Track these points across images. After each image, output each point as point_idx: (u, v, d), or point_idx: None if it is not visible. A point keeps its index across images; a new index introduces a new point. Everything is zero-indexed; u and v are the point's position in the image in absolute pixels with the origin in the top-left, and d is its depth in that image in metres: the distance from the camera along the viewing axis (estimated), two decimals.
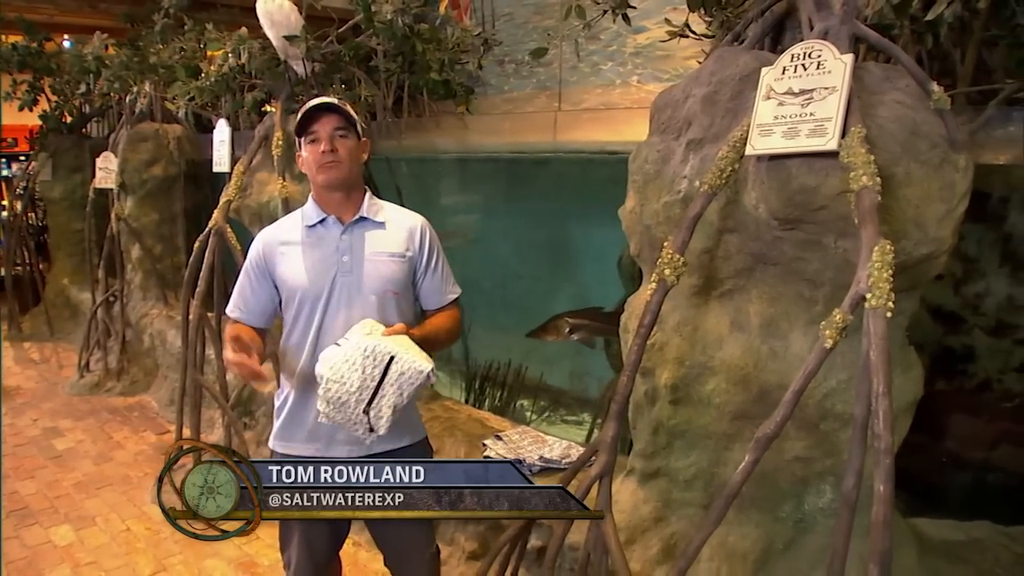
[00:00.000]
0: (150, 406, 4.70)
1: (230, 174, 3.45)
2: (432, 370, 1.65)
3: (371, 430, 1.68)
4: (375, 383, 1.63)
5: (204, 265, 3.21)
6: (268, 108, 3.77)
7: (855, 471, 1.24)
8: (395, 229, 1.88)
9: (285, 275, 1.84)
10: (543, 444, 2.65)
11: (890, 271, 1.24)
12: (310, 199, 1.90)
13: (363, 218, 1.86)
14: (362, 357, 1.62)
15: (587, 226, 3.99)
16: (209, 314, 3.37)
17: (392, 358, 1.63)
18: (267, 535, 3.05)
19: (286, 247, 1.85)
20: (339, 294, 1.80)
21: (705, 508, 1.90)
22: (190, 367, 3.28)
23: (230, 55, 3.25)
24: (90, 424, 4.37)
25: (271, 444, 1.93)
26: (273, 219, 3.29)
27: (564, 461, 2.51)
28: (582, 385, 4.06)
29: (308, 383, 1.83)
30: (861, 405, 1.25)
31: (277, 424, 1.92)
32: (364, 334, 1.69)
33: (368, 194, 1.90)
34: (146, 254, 4.99)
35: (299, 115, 1.80)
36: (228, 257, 3.33)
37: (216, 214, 3.23)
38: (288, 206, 3.13)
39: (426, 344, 1.76)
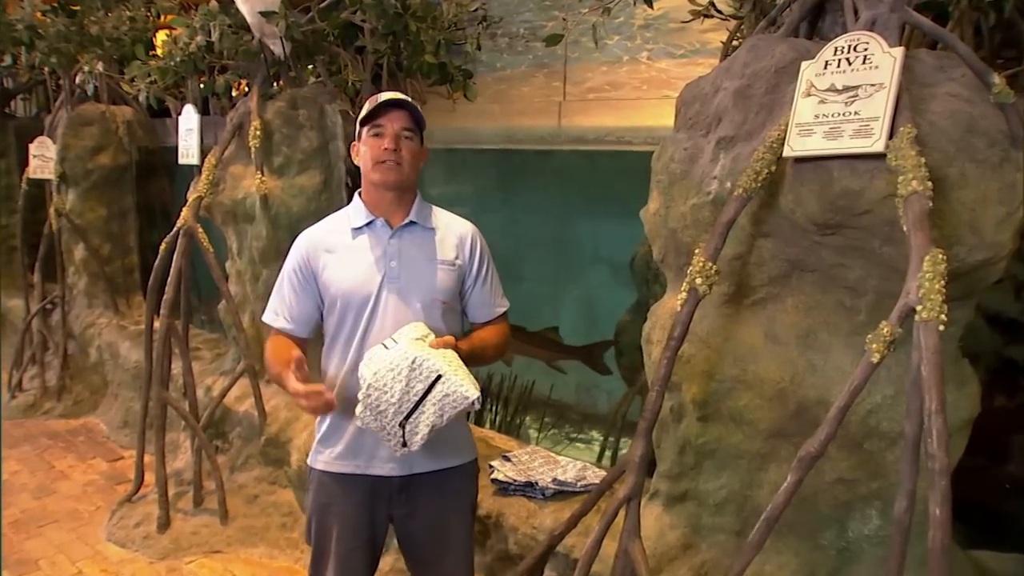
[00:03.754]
0: (98, 429, 4.70)
1: (199, 167, 3.50)
2: (478, 398, 1.75)
3: (404, 444, 1.78)
4: (417, 398, 1.74)
5: (172, 269, 3.26)
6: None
7: (907, 494, 1.33)
8: (446, 235, 2.00)
9: (329, 280, 1.94)
10: (556, 465, 2.73)
11: (942, 281, 1.33)
12: (356, 198, 2.01)
13: (413, 222, 1.97)
14: (408, 368, 1.72)
15: (595, 222, 4.07)
16: (176, 323, 3.41)
17: (439, 377, 1.73)
18: (242, 572, 3.12)
19: (331, 249, 1.96)
20: (385, 301, 1.91)
21: (738, 534, 1.97)
22: (155, 384, 3.32)
23: (198, 32, 3.30)
24: (26, 452, 4.34)
25: (310, 461, 2.04)
26: (250, 218, 3.38)
27: (580, 484, 2.59)
28: (590, 400, 4.14)
29: (350, 396, 1.92)
30: (912, 423, 1.34)
31: (317, 439, 2.03)
32: (413, 338, 1.79)
33: (419, 198, 2.01)
34: (92, 255, 4.99)
35: (368, 106, 1.90)
36: (198, 260, 3.38)
37: (185, 212, 3.27)
38: (267, 203, 3.19)
39: (472, 359, 1.88)
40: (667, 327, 1.88)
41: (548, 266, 4.35)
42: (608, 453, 3.61)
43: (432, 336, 1.84)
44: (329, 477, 2.00)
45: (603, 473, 2.67)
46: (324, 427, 2.01)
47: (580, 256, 4.26)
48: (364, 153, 1.93)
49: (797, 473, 1.46)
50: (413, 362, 1.73)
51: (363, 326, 1.92)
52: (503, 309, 2.12)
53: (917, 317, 1.34)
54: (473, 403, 1.76)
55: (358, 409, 1.77)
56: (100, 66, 4.34)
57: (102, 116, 4.88)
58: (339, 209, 2.11)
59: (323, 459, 2.01)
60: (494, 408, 3.99)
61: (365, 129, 1.92)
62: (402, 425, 1.76)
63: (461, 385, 1.74)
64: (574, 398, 4.19)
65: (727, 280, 1.86)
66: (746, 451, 1.91)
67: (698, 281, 1.72)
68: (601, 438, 3.76)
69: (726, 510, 1.99)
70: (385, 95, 1.91)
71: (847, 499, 1.79)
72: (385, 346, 1.80)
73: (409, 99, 1.92)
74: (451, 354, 1.81)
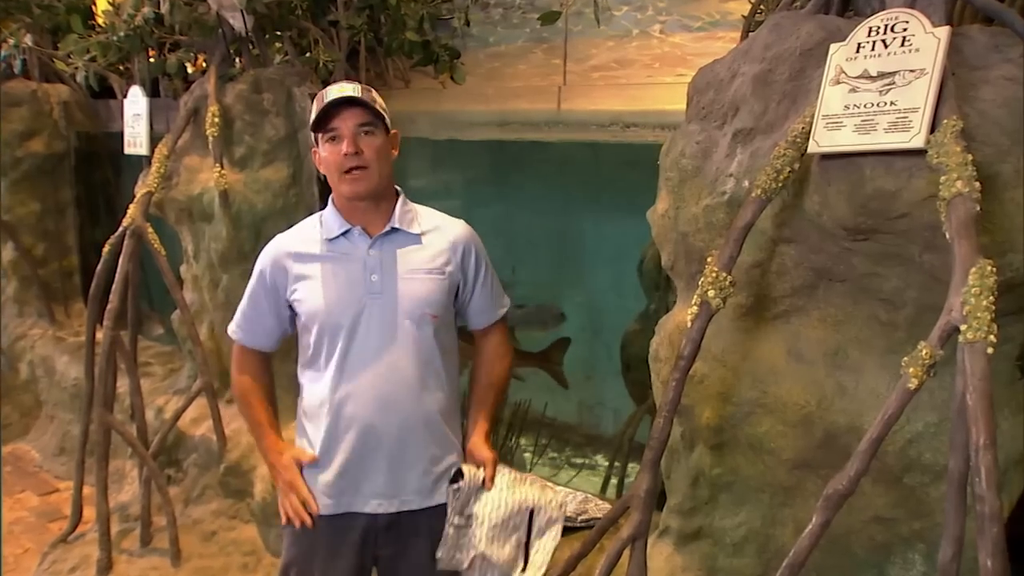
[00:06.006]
0: (28, 457, 4.69)
1: (149, 158, 3.47)
2: (565, 495, 1.96)
3: None
4: (523, 546, 1.90)
5: (117, 274, 3.24)
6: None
7: (953, 539, 1.32)
8: (433, 240, 2.02)
9: (302, 298, 1.97)
10: None
11: (991, 297, 1.32)
12: (330, 205, 2.02)
13: (395, 229, 1.98)
14: (502, 528, 1.87)
15: (599, 220, 4.06)
16: (122, 334, 3.39)
17: (531, 512, 1.91)
18: None
19: (302, 262, 1.98)
20: (368, 320, 1.93)
21: None
22: (97, 405, 3.30)
23: (145, 2, 3.28)
24: None
25: None
26: (207, 216, 3.36)
27: (581, 518, 2.58)
28: (594, 419, 4.14)
29: (333, 424, 1.96)
30: (956, 458, 1.33)
31: None
32: (473, 499, 1.93)
33: (401, 199, 2.02)
34: (23, 256, 4.96)
35: (316, 107, 1.90)
36: (149, 263, 3.36)
37: (132, 210, 3.26)
38: (227, 200, 3.18)
39: (497, 417, 2.07)
40: (677, 343, 1.88)
41: (547, 269, 4.34)
42: (614, 481, 3.61)
43: (479, 469, 1.97)
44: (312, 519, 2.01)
45: (607, 506, 2.66)
46: (306, 461, 2.02)
47: (583, 258, 4.26)
48: (326, 161, 1.94)
49: (823, 514, 1.45)
50: (502, 523, 1.88)
51: (343, 348, 1.94)
52: (504, 309, 2.17)
53: (961, 338, 1.34)
54: (563, 508, 1.97)
55: None
56: (28, 38, 4.29)
57: (33, 96, 4.83)
58: (309, 206, 2.13)
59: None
60: None
61: (320, 136, 1.92)
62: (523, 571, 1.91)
63: (550, 502, 1.92)
64: (576, 417, 4.19)
65: (745, 291, 1.86)
66: (767, 484, 1.91)
67: (710, 294, 1.72)
68: (607, 463, 3.75)
69: (745, 551, 1.99)
70: (332, 92, 1.90)
71: (885, 541, 1.78)
72: (457, 525, 1.94)
73: (360, 92, 1.91)
74: (510, 476, 1.96)
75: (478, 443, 1.99)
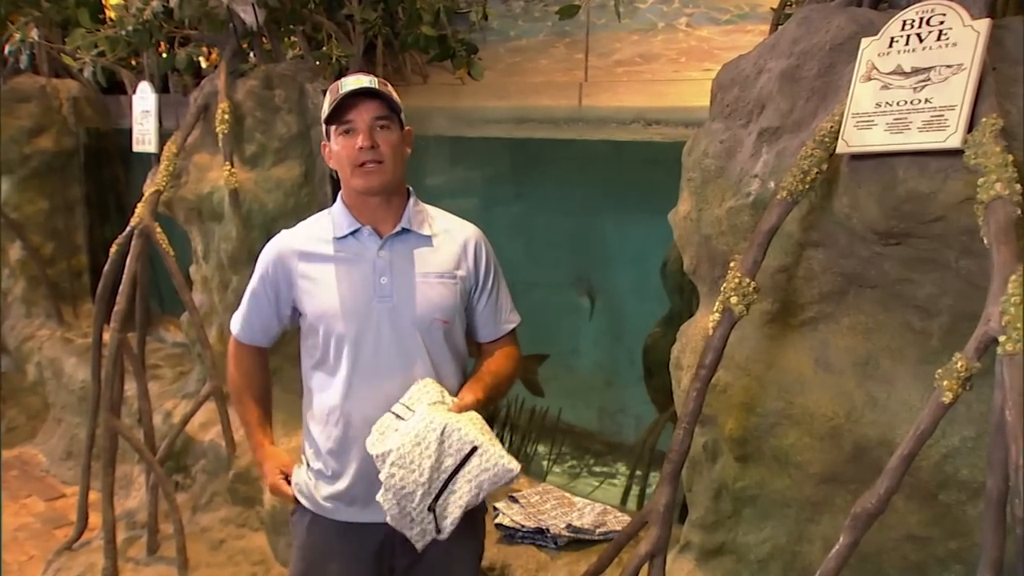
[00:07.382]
0: (35, 461, 4.72)
1: (158, 156, 3.50)
2: (520, 470, 1.78)
3: (438, 531, 1.78)
4: (447, 475, 1.74)
5: (124, 275, 3.26)
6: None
7: (991, 563, 1.29)
8: (445, 243, 2.01)
9: (307, 298, 1.96)
10: (571, 508, 2.73)
11: None
12: (339, 202, 2.01)
13: (406, 230, 1.97)
14: (437, 441, 1.73)
15: (622, 220, 4.04)
16: (130, 336, 3.42)
17: (475, 449, 1.74)
18: None
19: (309, 261, 1.97)
20: (376, 324, 1.92)
21: None
22: (103, 409, 3.33)
23: None
24: None
25: (299, 495, 2.07)
26: (217, 216, 3.38)
27: (599, 531, 2.59)
28: (615, 426, 4.11)
29: (344, 432, 1.96)
30: (994, 476, 1.30)
31: (310, 471, 2.05)
32: (429, 403, 1.80)
33: (412, 199, 2.01)
34: (31, 255, 5.01)
35: (329, 99, 1.90)
36: (159, 263, 3.37)
37: (140, 209, 3.28)
38: (237, 199, 3.20)
39: (490, 401, 1.93)
40: (699, 351, 1.86)
41: (567, 270, 4.33)
42: (635, 491, 3.59)
43: (449, 398, 1.86)
44: (323, 527, 2.01)
45: (626, 518, 2.65)
46: (321, 461, 2.00)
47: (605, 259, 4.24)
48: (339, 156, 1.93)
49: (851, 533, 1.43)
50: (443, 432, 1.74)
51: (352, 354, 1.92)
52: (512, 325, 2.13)
53: (1000, 349, 1.31)
54: (515, 477, 1.78)
55: (380, 496, 1.77)
56: (35, 33, 4.32)
57: (42, 91, 4.88)
58: (321, 206, 2.12)
59: (319, 499, 2.01)
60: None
61: (333, 129, 1.92)
62: (431, 509, 1.76)
63: (501, 457, 1.76)
64: (596, 424, 4.17)
65: (770, 296, 1.84)
66: (794, 498, 1.89)
67: (733, 300, 1.70)
68: (628, 472, 3.72)
69: (771, 568, 1.97)
70: (348, 83, 1.90)
71: (919, 560, 1.75)
72: (397, 415, 1.82)
73: (377, 84, 1.91)
74: (479, 419, 1.84)
75: (467, 397, 1.89)
